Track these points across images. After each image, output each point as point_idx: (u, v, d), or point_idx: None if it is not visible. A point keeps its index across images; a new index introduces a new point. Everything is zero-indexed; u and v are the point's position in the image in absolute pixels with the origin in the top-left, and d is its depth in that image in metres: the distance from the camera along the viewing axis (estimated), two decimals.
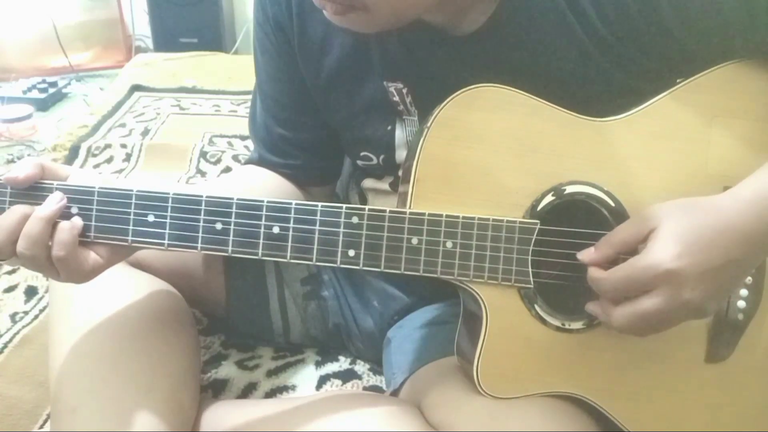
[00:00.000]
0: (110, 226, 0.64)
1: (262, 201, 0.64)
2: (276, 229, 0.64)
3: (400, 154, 0.81)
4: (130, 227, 0.64)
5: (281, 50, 0.82)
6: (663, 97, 0.69)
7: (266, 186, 0.90)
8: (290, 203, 0.64)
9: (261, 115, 0.89)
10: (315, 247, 0.65)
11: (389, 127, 0.80)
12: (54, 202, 0.63)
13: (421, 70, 0.75)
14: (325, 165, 0.93)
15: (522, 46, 0.70)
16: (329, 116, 0.84)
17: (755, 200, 0.62)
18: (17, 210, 0.62)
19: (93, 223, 0.64)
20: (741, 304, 0.70)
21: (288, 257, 0.64)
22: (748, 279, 0.70)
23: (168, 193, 0.64)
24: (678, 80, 0.70)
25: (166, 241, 0.64)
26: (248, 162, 0.95)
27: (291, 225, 0.64)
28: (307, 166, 0.91)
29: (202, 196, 0.64)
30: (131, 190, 0.64)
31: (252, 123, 0.92)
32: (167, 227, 0.64)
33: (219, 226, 0.64)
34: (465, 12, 0.70)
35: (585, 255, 0.66)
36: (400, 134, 0.80)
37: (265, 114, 0.88)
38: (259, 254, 0.64)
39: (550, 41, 0.69)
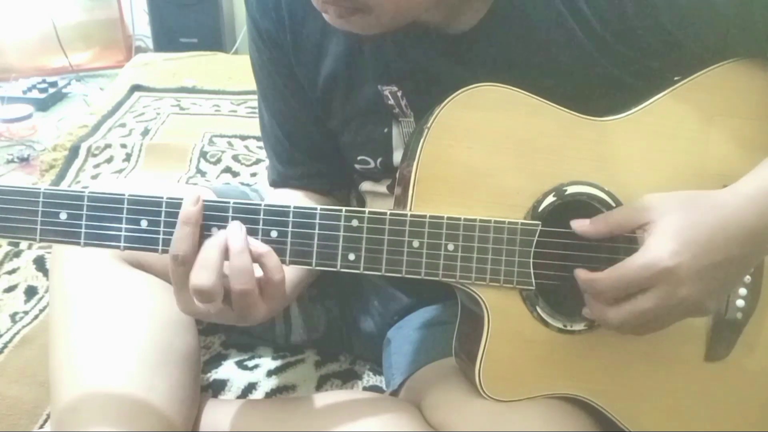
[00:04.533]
0: (101, 233, 0.63)
1: (260, 205, 0.63)
2: (274, 234, 0.63)
3: (398, 156, 0.81)
4: (122, 233, 0.62)
5: (277, 62, 0.81)
6: (662, 97, 0.69)
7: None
8: (288, 207, 0.63)
9: (270, 127, 0.88)
10: (314, 251, 0.64)
11: (385, 130, 0.80)
12: (239, 229, 0.62)
13: (415, 71, 0.75)
14: (338, 170, 0.90)
15: (517, 44, 0.70)
16: (328, 121, 0.84)
17: (756, 196, 0.62)
18: (215, 244, 0.61)
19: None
20: (740, 303, 0.70)
21: (287, 262, 0.64)
22: (747, 278, 0.70)
23: (162, 198, 0.62)
24: (675, 78, 0.70)
25: (159, 247, 0.63)
26: (271, 185, 0.93)
27: (289, 229, 0.63)
28: (321, 173, 0.89)
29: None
30: (123, 195, 0.62)
31: (263, 136, 0.91)
32: (161, 233, 0.63)
33: (216, 231, 0.62)
34: (460, 10, 0.70)
35: (578, 224, 0.66)
36: (396, 136, 0.80)
37: (274, 126, 0.87)
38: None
39: (545, 39, 0.69)
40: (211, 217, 0.62)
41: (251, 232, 0.63)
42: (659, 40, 0.67)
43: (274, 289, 0.63)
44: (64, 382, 0.74)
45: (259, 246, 0.62)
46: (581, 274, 0.65)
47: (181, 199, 0.62)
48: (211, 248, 0.61)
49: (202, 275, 0.60)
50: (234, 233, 0.61)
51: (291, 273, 0.73)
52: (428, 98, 0.69)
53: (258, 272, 0.63)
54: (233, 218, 0.63)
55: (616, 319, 0.63)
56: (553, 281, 0.68)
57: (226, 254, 0.61)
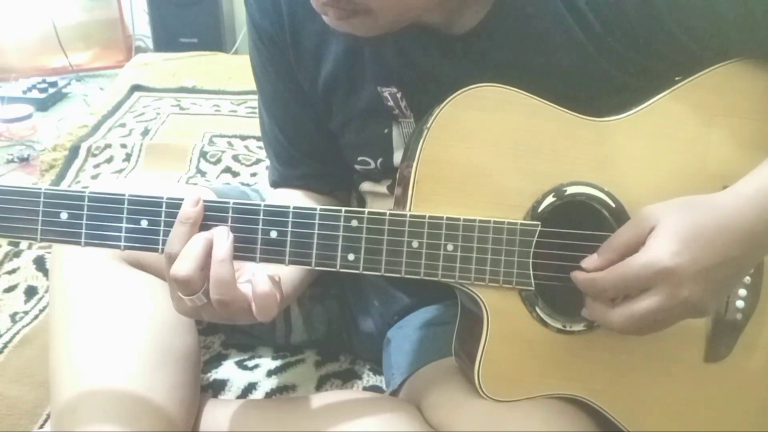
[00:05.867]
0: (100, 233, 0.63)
1: (259, 205, 0.63)
2: (274, 234, 0.63)
3: (398, 157, 0.81)
4: (122, 234, 0.63)
5: (277, 63, 0.81)
6: (663, 97, 0.69)
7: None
8: (288, 207, 0.63)
9: (269, 127, 0.88)
10: (314, 251, 0.64)
11: (386, 131, 0.80)
12: (225, 237, 0.62)
13: (415, 72, 0.75)
14: (339, 171, 0.90)
15: (518, 44, 0.70)
16: (329, 122, 0.84)
17: (755, 197, 0.62)
18: (201, 238, 0.61)
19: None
20: (739, 303, 0.70)
21: (286, 262, 0.64)
22: (747, 279, 0.70)
23: (162, 198, 0.63)
24: (676, 78, 0.70)
25: (159, 247, 0.63)
26: (271, 185, 0.93)
27: (289, 229, 0.63)
28: (322, 174, 0.89)
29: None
30: (123, 195, 0.62)
31: (263, 136, 0.91)
32: (161, 233, 0.63)
33: None
34: (461, 11, 0.70)
35: (589, 263, 0.65)
36: (397, 137, 0.80)
37: (274, 126, 0.88)
38: (257, 259, 0.64)
39: (546, 40, 0.69)
40: (211, 218, 0.63)
41: (251, 232, 0.63)
42: (659, 40, 0.67)
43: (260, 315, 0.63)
44: (64, 382, 0.74)
45: (259, 285, 0.61)
46: (579, 275, 0.65)
47: (182, 199, 0.62)
48: (195, 241, 0.61)
49: (180, 265, 0.60)
50: (219, 239, 0.61)
51: (291, 274, 0.73)
52: (428, 99, 0.69)
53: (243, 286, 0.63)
54: (233, 218, 0.63)
55: (617, 319, 0.62)
56: (552, 282, 0.68)
57: (210, 252, 0.61)
